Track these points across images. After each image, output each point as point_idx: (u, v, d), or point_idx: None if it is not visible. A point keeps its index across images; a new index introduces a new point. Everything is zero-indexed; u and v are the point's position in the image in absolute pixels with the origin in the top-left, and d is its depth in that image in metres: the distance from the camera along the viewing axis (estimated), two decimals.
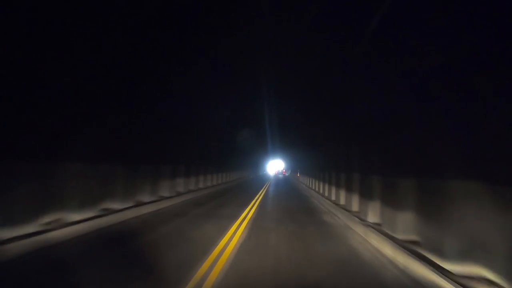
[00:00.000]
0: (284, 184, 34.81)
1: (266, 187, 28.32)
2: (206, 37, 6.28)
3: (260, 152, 35.61)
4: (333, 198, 14.38)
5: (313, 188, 21.60)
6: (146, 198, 11.74)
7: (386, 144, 7.81)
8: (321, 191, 18.14)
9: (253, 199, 16.86)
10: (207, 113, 13.35)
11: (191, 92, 9.92)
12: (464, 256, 4.59)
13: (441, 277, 4.46)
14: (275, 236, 7.89)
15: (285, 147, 30.93)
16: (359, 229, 8.49)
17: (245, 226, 8.92)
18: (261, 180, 43.66)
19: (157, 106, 10.49)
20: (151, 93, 9.15)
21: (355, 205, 10.57)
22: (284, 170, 67.92)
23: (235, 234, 7.77)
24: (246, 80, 9.18)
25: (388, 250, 6.35)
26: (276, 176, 64.92)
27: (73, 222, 7.37)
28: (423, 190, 5.94)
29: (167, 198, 13.29)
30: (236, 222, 9.40)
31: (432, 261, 5.11)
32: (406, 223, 6.39)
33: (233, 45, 6.69)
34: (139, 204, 10.80)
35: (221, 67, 7.97)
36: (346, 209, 11.12)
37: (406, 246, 5.90)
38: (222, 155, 23.77)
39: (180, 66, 7.53)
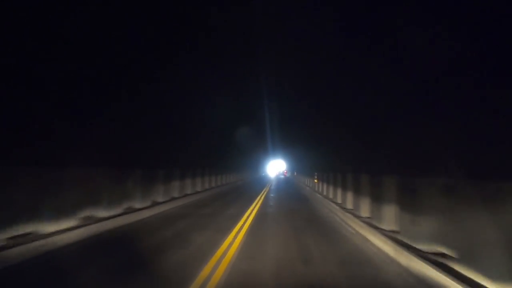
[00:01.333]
0: (288, 200, 18.06)
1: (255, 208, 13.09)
2: (203, 33, 6.15)
3: (259, 152, 32.26)
4: None
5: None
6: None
7: None
8: None
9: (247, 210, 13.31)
10: (198, 108, 11.05)
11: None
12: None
13: None
14: None
15: (288, 146, 27.82)
16: None
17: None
18: (255, 185, 31.42)
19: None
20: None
21: None
22: (285, 171, 64.71)
23: None
24: (244, 74, 8.64)
25: None
26: (277, 177, 59.49)
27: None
28: None
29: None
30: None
31: None
32: None
33: (231, 40, 6.47)
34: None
35: (218, 58, 7.47)
36: None
37: None
38: (210, 155, 20.26)
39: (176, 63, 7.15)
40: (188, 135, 13.45)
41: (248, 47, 6.76)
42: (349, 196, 11.73)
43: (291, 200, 18.07)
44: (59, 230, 6.76)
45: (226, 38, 6.36)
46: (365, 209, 9.60)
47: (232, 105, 11.93)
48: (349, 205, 11.65)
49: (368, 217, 9.17)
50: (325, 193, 17.63)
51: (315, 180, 21.20)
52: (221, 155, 22.11)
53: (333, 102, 9.50)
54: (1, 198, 5.69)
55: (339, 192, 13.79)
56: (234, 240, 7.13)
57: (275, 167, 70.45)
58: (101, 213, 8.63)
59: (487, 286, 4.04)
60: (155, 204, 11.96)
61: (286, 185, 33.16)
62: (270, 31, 5.98)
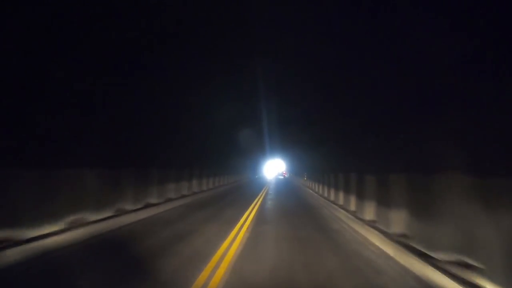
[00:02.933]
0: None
1: None
2: (200, 30, 5.84)
3: (255, 151, 29.58)
4: None
5: None
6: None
7: None
8: None
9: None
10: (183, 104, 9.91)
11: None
12: None
13: None
14: None
15: (288, 145, 25.34)
16: None
17: None
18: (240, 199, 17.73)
19: None
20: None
21: None
22: (284, 172, 62.01)
23: None
24: (240, 69, 7.94)
25: None
26: (276, 178, 54.89)
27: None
28: None
29: None
30: None
31: None
32: None
33: (227, 35, 6.10)
34: None
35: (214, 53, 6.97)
36: None
37: None
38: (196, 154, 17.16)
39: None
40: (161, 127, 10.98)
41: (246, 38, 6.29)
42: None
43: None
44: None
45: (223, 30, 5.91)
46: None
47: (225, 99, 10.33)
48: None
49: None
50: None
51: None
52: (200, 154, 18.55)
53: (343, 91, 8.13)
54: None
55: None
56: None
57: (274, 168, 67.42)
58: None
59: None
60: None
61: (283, 185, 20.79)
62: (269, 22, 5.70)
